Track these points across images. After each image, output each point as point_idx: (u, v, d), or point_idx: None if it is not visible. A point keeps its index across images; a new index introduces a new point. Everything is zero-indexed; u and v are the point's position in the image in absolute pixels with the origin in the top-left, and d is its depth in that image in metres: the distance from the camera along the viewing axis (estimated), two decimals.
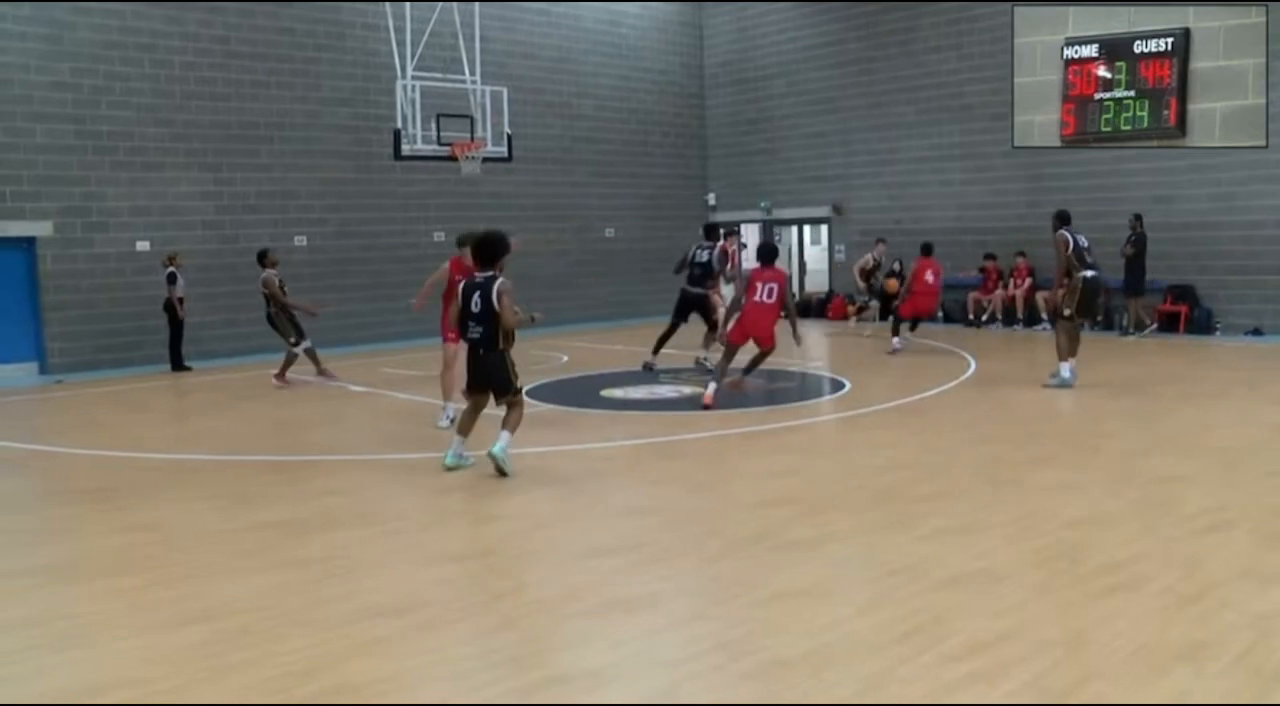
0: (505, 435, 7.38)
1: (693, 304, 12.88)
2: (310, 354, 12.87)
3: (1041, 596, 4.70)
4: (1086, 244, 10.89)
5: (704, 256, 12.86)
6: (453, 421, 9.50)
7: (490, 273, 7.33)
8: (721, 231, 13.91)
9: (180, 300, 14.76)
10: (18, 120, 14.58)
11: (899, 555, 5.35)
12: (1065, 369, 10.76)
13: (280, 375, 12.79)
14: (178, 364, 14.90)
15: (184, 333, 14.96)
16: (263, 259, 12.87)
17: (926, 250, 14.93)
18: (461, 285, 7.46)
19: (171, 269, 14.74)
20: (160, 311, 14.87)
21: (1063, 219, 11.22)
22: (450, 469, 7.56)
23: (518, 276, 20.87)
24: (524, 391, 7.73)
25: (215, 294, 16.40)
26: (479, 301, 7.29)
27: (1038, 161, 17.71)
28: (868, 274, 16.96)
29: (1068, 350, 10.82)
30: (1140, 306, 16.23)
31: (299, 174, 17.22)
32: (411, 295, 18.94)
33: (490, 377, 7.45)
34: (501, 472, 7.29)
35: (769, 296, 10.22)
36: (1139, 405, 10.02)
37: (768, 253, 10.72)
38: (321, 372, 12.88)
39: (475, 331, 7.38)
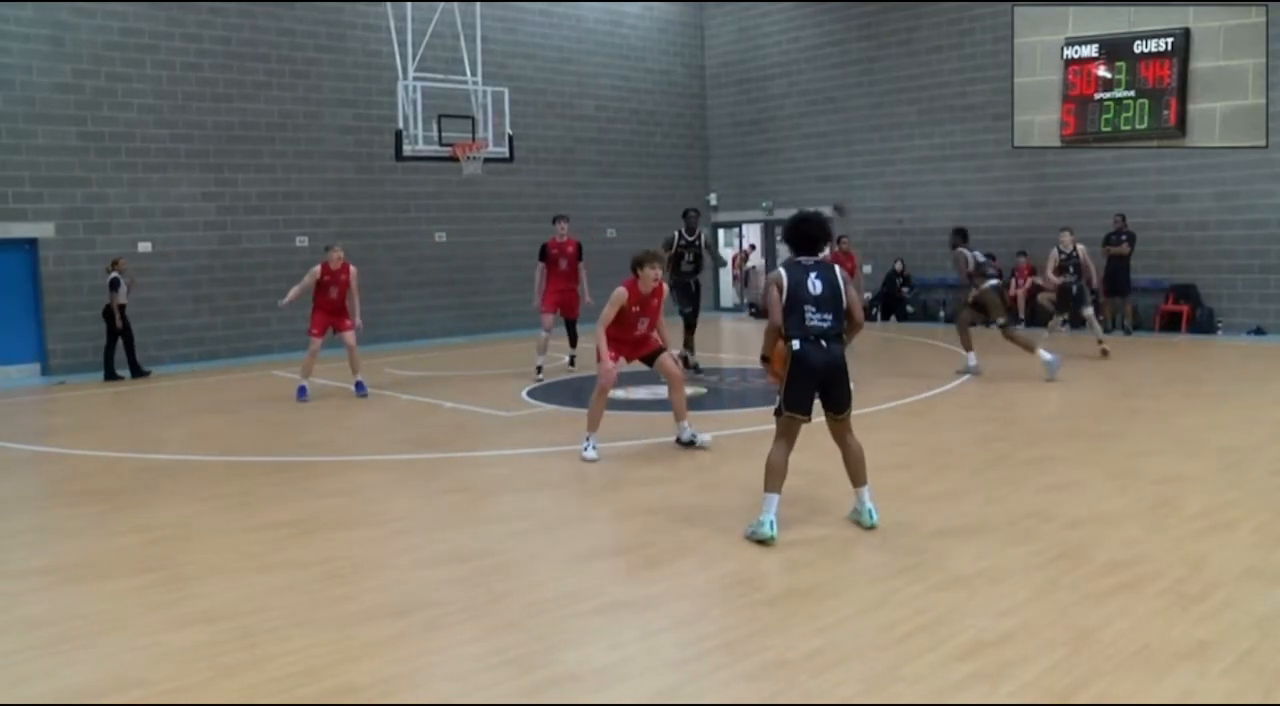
0: (866, 492, 5.93)
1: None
2: None
3: (1044, 596, 4.70)
4: (984, 258, 12.27)
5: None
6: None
7: (819, 258, 5.90)
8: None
9: (122, 307, 13.98)
10: (19, 122, 14.60)
11: (901, 555, 5.35)
12: (971, 358, 12.19)
13: None
14: (135, 370, 14.26)
15: (134, 340, 14.28)
16: None
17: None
18: (785, 272, 5.85)
19: (114, 274, 14.01)
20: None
21: (962, 235, 12.38)
22: (764, 541, 5.60)
23: (519, 276, 20.80)
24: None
25: (217, 295, 16.42)
26: (819, 284, 5.76)
27: (1040, 161, 17.72)
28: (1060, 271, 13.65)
29: (966, 344, 12.21)
30: (1117, 307, 16.33)
31: (301, 175, 17.24)
32: (415, 295, 18.99)
33: (842, 382, 5.83)
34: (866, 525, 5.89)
35: None
36: (1142, 405, 10.02)
37: None
38: None
39: (821, 319, 5.73)
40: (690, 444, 8.37)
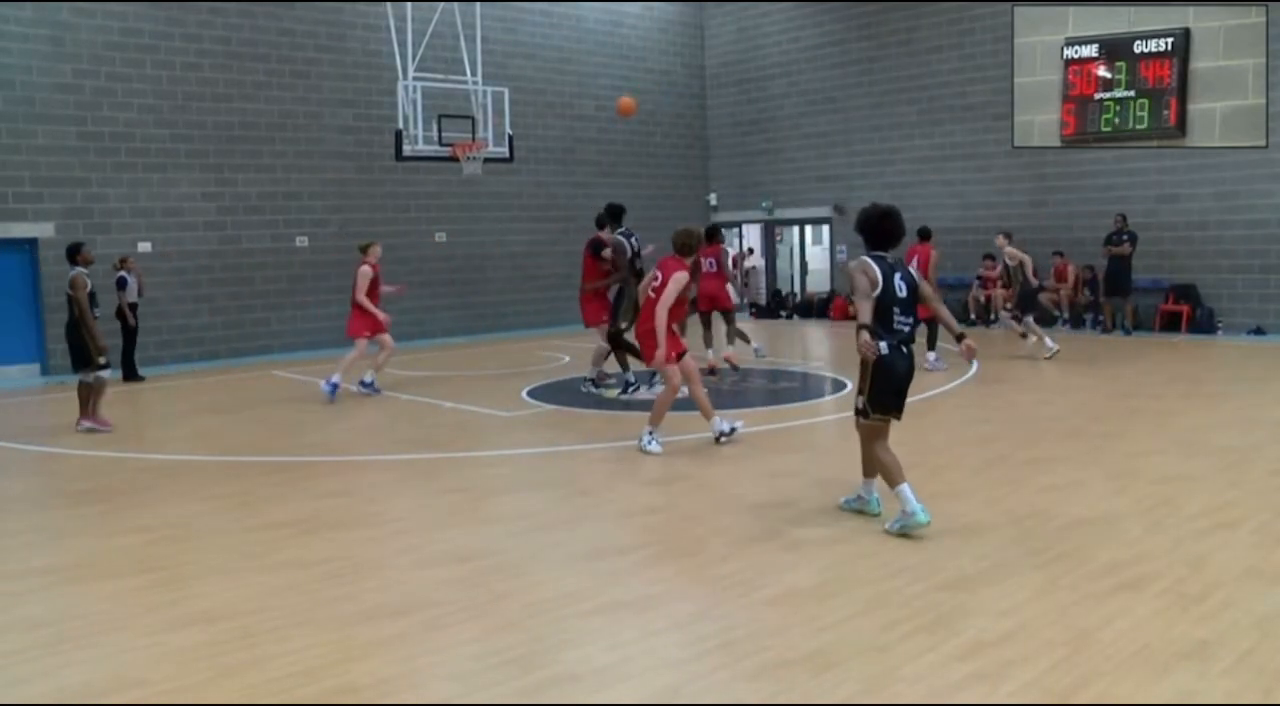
0: (875, 484, 5.97)
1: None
2: (100, 385, 10.02)
3: (1044, 596, 4.70)
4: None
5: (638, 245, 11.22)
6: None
7: (886, 253, 5.76)
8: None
9: (133, 307, 13.89)
10: (19, 122, 14.60)
11: (902, 555, 5.35)
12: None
13: (91, 414, 9.96)
14: (130, 374, 13.87)
15: (136, 340, 14.12)
16: (75, 255, 10.38)
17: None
18: (875, 265, 5.61)
19: (121, 273, 13.87)
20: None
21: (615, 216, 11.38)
22: (921, 526, 5.58)
23: (519, 276, 20.79)
24: None
25: (217, 295, 16.42)
26: (904, 286, 5.65)
27: (1040, 161, 17.72)
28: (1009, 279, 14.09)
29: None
30: (1118, 307, 16.36)
31: (301, 175, 17.23)
32: (415, 295, 18.98)
33: (908, 388, 5.81)
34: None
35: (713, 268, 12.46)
36: (1141, 404, 10.01)
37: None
38: (91, 415, 10.00)
39: (905, 323, 5.67)
40: (730, 434, 8.36)
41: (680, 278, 8.15)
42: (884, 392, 5.69)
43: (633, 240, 11.14)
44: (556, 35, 20.61)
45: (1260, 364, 12.80)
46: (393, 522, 6.40)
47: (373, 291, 11.61)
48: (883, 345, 5.60)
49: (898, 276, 5.65)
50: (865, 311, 5.60)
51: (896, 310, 5.61)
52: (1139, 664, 3.92)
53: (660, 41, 22.52)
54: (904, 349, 5.66)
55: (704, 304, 12.66)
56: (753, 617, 4.53)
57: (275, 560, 5.61)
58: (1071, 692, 3.69)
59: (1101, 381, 11.56)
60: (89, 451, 9.10)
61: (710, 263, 12.62)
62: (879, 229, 5.75)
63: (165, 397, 12.81)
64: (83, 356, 9.94)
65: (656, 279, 8.34)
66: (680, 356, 8.26)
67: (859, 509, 6.06)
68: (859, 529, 5.88)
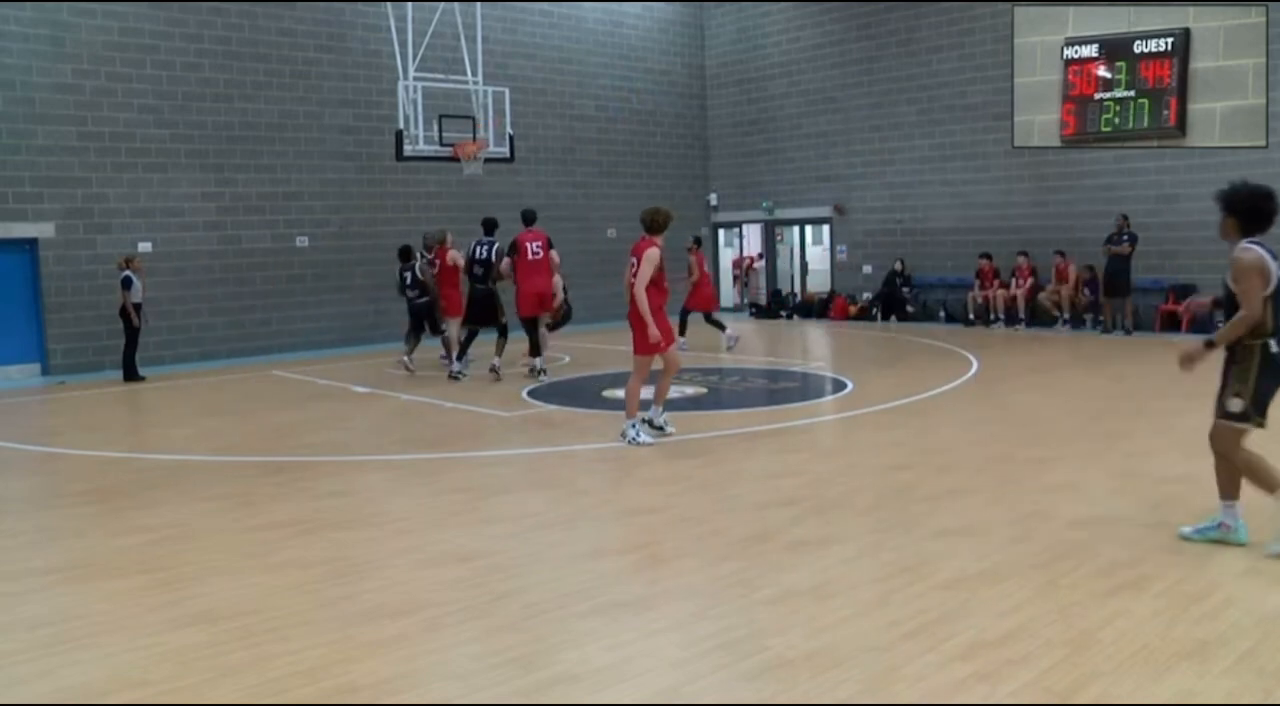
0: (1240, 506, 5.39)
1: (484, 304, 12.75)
2: (448, 342, 13.36)
3: (1045, 596, 4.70)
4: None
5: (483, 253, 12.75)
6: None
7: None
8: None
9: (137, 307, 13.73)
10: (19, 122, 14.60)
11: (902, 555, 5.35)
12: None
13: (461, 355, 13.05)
14: (130, 374, 13.92)
15: (139, 341, 13.99)
16: (410, 253, 13.64)
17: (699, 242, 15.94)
18: (1269, 258, 5.04)
19: (126, 273, 13.73)
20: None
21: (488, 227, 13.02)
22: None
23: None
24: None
25: (217, 295, 16.42)
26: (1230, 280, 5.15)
27: (1041, 161, 17.72)
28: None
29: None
30: (1118, 307, 16.38)
31: (301, 175, 17.24)
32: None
33: None
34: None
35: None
36: (1142, 404, 10.01)
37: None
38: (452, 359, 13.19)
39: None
40: (660, 429, 8.56)
41: (652, 254, 8.30)
42: (1270, 392, 5.15)
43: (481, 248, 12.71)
44: (556, 35, 20.61)
45: None
46: (393, 522, 6.40)
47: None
48: (1272, 342, 5.06)
49: (1279, 265, 5.08)
50: (1254, 309, 4.99)
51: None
52: (1139, 664, 3.92)
53: (660, 41, 22.52)
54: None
55: (527, 308, 12.24)
56: (752, 617, 4.53)
57: (275, 560, 5.61)
58: (1071, 692, 3.69)
59: (1102, 381, 11.55)
60: (89, 451, 9.10)
61: (535, 247, 12.18)
62: (1264, 210, 5.15)
63: (165, 397, 12.81)
64: (436, 322, 13.37)
65: (634, 265, 8.41)
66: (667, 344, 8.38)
67: (1221, 538, 5.31)
68: (859, 529, 5.88)
